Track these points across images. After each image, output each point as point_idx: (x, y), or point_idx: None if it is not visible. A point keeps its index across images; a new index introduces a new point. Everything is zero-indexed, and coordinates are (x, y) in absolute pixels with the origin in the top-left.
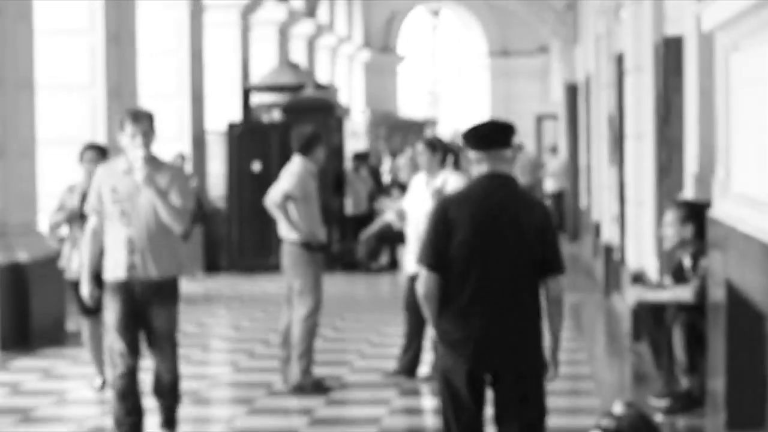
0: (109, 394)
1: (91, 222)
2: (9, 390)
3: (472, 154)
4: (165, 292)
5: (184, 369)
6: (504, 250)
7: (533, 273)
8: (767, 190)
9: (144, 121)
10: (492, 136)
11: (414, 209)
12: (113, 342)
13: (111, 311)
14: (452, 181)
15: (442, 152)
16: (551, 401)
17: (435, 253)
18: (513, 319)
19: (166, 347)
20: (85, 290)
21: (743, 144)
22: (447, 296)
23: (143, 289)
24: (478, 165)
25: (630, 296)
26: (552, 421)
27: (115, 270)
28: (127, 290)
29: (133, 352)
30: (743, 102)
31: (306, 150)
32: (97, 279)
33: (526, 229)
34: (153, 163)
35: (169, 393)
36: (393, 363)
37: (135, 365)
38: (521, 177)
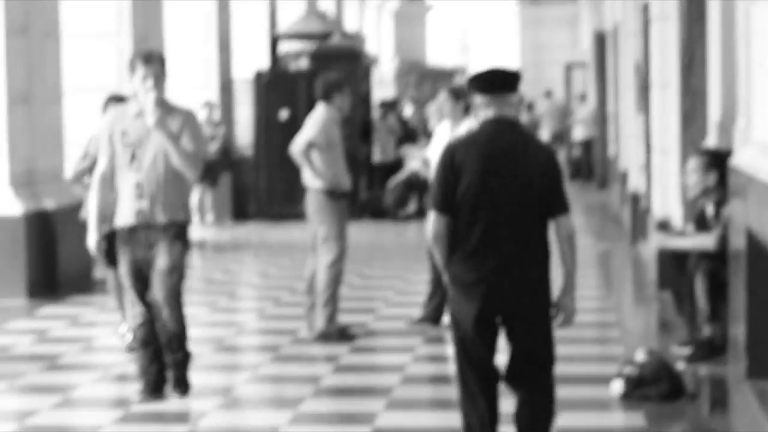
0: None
1: (101, 166)
2: (36, 337)
3: (478, 99)
4: (170, 232)
5: (210, 316)
6: (511, 191)
7: (541, 214)
8: None
9: (155, 63)
10: (498, 81)
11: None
12: (128, 291)
13: (123, 260)
14: None
15: (466, 100)
16: (577, 349)
17: (443, 196)
18: (522, 261)
19: (169, 292)
20: (92, 240)
21: (763, 92)
22: (457, 239)
23: (149, 234)
24: (484, 110)
25: (653, 243)
26: (577, 368)
27: (124, 216)
28: (136, 237)
29: (148, 301)
30: (763, 51)
31: (327, 97)
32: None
33: (532, 170)
34: (164, 106)
35: (175, 345)
36: (418, 311)
37: (152, 313)
38: (550, 124)
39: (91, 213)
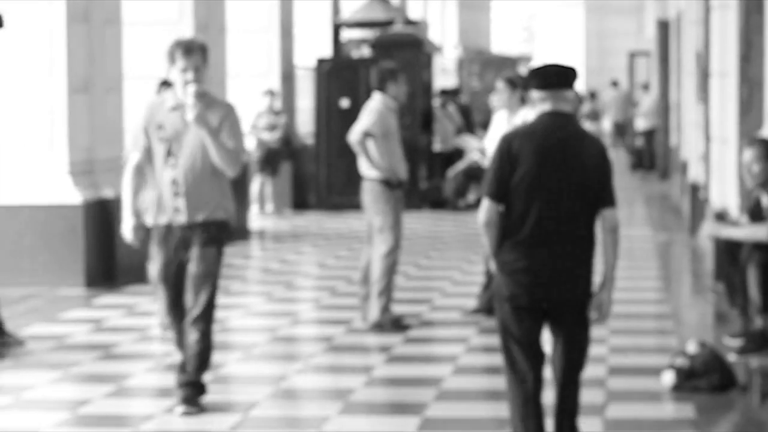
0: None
1: (133, 158)
2: (93, 326)
3: (535, 94)
4: (206, 234)
5: (266, 306)
6: (564, 183)
7: (590, 206)
8: None
9: (196, 54)
10: (554, 77)
11: None
12: (161, 295)
13: (157, 260)
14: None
15: (523, 90)
16: (631, 340)
17: (497, 185)
18: (571, 253)
19: (200, 302)
20: (127, 230)
21: None
22: (509, 227)
23: (185, 234)
24: (541, 104)
25: (704, 232)
26: (630, 360)
27: (158, 215)
28: (171, 238)
29: (181, 306)
30: None
31: (382, 86)
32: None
33: (584, 163)
34: (205, 99)
35: (194, 366)
36: (474, 301)
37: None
38: (614, 113)
39: (125, 202)
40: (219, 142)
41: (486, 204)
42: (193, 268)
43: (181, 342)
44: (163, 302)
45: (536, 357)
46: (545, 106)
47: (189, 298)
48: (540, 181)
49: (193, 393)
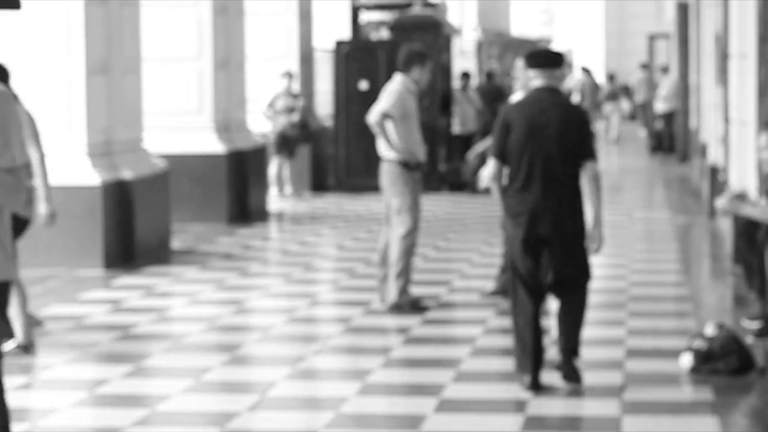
0: None
1: None
2: (111, 307)
3: (530, 72)
4: None
5: (283, 287)
6: (549, 143)
7: (573, 161)
8: None
9: None
10: (545, 59)
11: None
12: None
13: None
14: None
15: None
16: (649, 323)
17: (498, 146)
18: (557, 196)
19: None
20: None
21: None
22: (509, 179)
23: None
24: (534, 80)
25: (719, 205)
26: (648, 342)
27: None
28: None
29: None
30: None
31: (406, 68)
32: None
33: (565, 127)
34: None
35: None
36: (492, 283)
37: None
38: (644, 94)
39: None
40: None
41: (491, 162)
42: None
43: None
44: None
45: (535, 289)
46: (537, 82)
47: None
48: (529, 141)
49: None
